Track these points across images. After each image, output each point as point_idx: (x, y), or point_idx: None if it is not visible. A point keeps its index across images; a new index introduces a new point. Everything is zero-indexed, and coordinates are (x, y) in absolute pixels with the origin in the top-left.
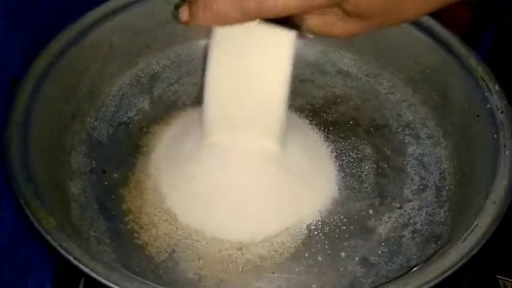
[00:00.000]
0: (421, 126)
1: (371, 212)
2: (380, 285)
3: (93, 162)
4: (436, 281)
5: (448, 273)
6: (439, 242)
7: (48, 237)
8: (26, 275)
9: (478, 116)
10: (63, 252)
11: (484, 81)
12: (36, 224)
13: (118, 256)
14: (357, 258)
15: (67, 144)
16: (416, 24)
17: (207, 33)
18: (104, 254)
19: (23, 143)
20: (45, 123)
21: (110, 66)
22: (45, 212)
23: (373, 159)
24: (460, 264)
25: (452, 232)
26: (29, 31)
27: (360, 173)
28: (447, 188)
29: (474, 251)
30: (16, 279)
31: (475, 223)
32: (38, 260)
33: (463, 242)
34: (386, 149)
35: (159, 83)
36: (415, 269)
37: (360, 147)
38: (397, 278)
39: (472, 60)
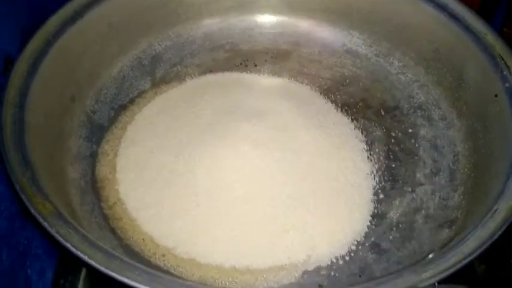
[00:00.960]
0: (433, 107)
1: (382, 196)
2: (394, 272)
3: (94, 146)
4: (454, 269)
5: (467, 260)
6: (453, 227)
7: (45, 224)
8: (26, 261)
9: (495, 95)
10: (60, 239)
11: (503, 59)
12: (32, 210)
13: (119, 242)
14: (367, 244)
15: (66, 127)
16: None
17: (209, 13)
18: (105, 239)
19: (19, 127)
20: (43, 106)
21: (110, 47)
22: (42, 198)
23: (384, 141)
24: (479, 251)
25: (468, 217)
26: (25, 8)
27: (370, 156)
28: (461, 171)
29: (495, 237)
30: (16, 266)
31: (495, 208)
32: (38, 246)
33: (482, 227)
34: (397, 131)
35: (161, 64)
36: (430, 255)
37: (370, 129)
38: (412, 265)
39: (490, 38)
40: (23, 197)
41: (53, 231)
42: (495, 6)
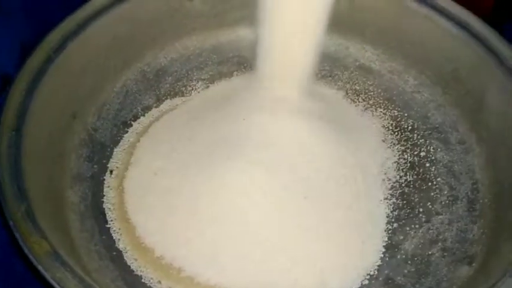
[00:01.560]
0: (451, 130)
1: (395, 225)
2: None
3: (95, 166)
4: None
5: None
6: (473, 265)
7: (40, 267)
8: None
9: None
10: (56, 285)
11: None
12: (26, 251)
13: (120, 273)
14: (380, 278)
15: (66, 147)
16: (449, 16)
17: (218, 24)
18: (105, 270)
19: (15, 152)
20: (42, 126)
21: (114, 60)
22: (38, 235)
23: (397, 165)
24: None
25: (490, 255)
26: (24, 23)
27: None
28: (481, 201)
29: None
30: None
31: None
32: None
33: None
34: (411, 154)
35: (167, 78)
36: None
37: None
38: None
39: None
40: (17, 235)
41: (47, 276)
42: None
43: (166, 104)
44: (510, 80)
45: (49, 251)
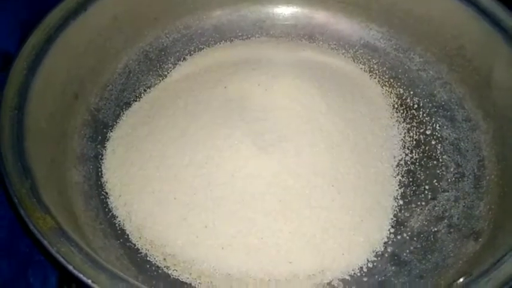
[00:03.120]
0: (457, 107)
1: (401, 202)
2: None
3: (98, 146)
4: None
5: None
6: (480, 240)
7: (45, 242)
8: (28, 269)
9: None
10: (61, 259)
11: None
12: (31, 227)
13: (125, 252)
14: (386, 255)
15: (69, 127)
16: None
17: (219, 2)
18: (110, 248)
19: (18, 130)
20: (44, 105)
21: (115, 41)
22: (42, 211)
23: (402, 143)
24: None
25: (497, 230)
26: (24, 2)
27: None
28: (488, 177)
29: None
30: (18, 275)
31: None
32: (40, 254)
33: None
34: (417, 132)
35: (169, 58)
36: (461, 279)
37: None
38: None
39: None
40: (21, 212)
41: (53, 251)
42: None
43: (169, 84)
44: None
45: (54, 226)
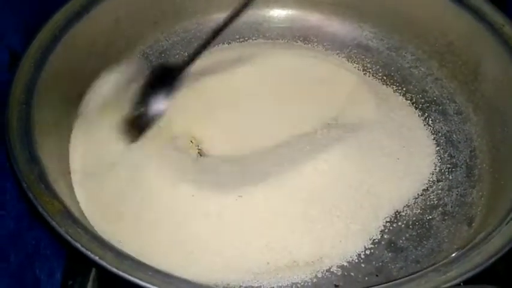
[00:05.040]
0: (448, 101)
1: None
2: (416, 272)
3: None
4: (480, 269)
5: (493, 259)
6: (473, 225)
7: (53, 223)
8: (35, 262)
9: None
10: (69, 239)
11: None
12: (40, 209)
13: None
14: (383, 242)
15: (74, 124)
16: None
17: (218, 6)
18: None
19: (26, 123)
20: (50, 102)
21: (117, 43)
22: (50, 196)
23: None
24: (506, 250)
25: (488, 215)
26: (29, 3)
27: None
28: (479, 166)
29: None
30: (24, 267)
31: None
32: (47, 247)
33: (507, 224)
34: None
35: (169, 60)
36: (454, 254)
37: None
38: (435, 264)
39: (507, 29)
40: (30, 195)
41: (61, 231)
42: None
43: None
44: (504, 48)
45: (61, 209)
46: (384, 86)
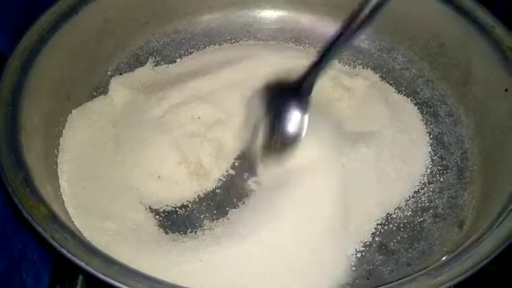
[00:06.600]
0: (439, 103)
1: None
2: (407, 275)
3: None
4: (470, 272)
5: (484, 262)
6: (464, 228)
7: (39, 228)
8: (21, 266)
9: (506, 90)
10: (55, 244)
11: None
12: (25, 214)
13: None
14: (374, 245)
15: (62, 126)
16: None
17: (209, 8)
18: None
19: (12, 126)
20: (37, 104)
21: (106, 44)
22: (36, 201)
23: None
24: (496, 253)
25: (479, 217)
26: (17, 4)
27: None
28: (470, 168)
29: None
30: (10, 272)
31: (510, 207)
32: (33, 251)
33: (498, 227)
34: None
35: (159, 61)
36: (444, 258)
37: None
38: (426, 268)
39: (498, 31)
40: (15, 200)
41: (47, 236)
42: None
43: None
44: (494, 50)
45: (47, 214)
46: None
